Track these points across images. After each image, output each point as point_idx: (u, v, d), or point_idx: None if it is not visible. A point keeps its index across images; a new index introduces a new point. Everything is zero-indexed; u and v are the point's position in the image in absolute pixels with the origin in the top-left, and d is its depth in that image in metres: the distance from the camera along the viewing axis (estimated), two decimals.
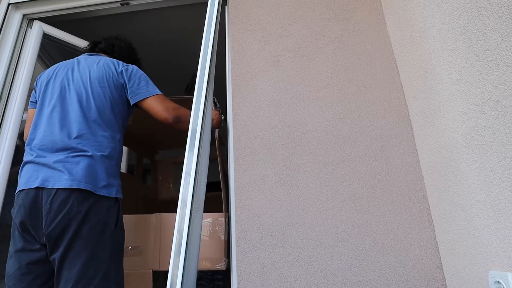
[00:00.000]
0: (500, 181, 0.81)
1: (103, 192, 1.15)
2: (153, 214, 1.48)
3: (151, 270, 1.40)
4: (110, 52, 1.53)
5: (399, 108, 1.36)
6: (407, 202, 1.24)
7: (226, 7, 1.68)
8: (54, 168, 1.13)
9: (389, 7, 1.46)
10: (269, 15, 1.59)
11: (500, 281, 0.81)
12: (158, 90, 1.36)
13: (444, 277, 1.14)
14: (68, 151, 1.16)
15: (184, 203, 0.99)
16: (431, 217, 1.21)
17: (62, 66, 1.39)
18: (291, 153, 1.35)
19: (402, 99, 1.37)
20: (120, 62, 1.39)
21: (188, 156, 1.07)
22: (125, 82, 1.34)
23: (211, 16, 1.37)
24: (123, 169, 2.38)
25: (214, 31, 1.34)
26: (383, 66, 1.43)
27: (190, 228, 0.96)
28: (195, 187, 1.02)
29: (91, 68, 1.34)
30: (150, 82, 1.38)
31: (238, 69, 1.52)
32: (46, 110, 1.27)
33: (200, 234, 1.01)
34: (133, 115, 1.90)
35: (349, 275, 1.17)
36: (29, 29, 1.93)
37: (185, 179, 1.03)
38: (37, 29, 1.91)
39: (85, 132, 1.21)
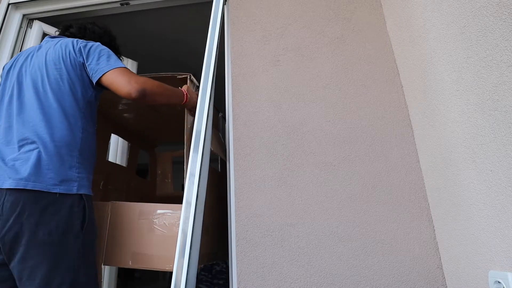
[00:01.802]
0: (500, 181, 0.81)
1: (60, 189, 1.01)
2: (109, 202, 1.34)
3: (102, 265, 1.28)
4: (82, 36, 1.35)
5: (399, 108, 1.36)
6: (407, 202, 1.24)
7: (226, 7, 1.68)
8: (5, 166, 1.02)
9: (389, 7, 1.46)
10: (269, 15, 1.59)
11: (500, 281, 0.81)
12: (121, 63, 1.19)
13: (444, 277, 1.14)
14: (21, 145, 1.05)
15: (188, 204, 1.00)
16: (431, 217, 1.21)
17: (22, 54, 1.26)
18: (291, 153, 1.35)
19: (402, 99, 1.37)
20: (80, 40, 1.23)
21: (192, 157, 1.08)
22: (84, 60, 1.18)
23: (215, 19, 1.37)
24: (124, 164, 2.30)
25: (217, 34, 1.35)
26: (383, 66, 1.43)
27: (194, 229, 0.97)
28: (199, 188, 1.02)
29: (48, 51, 1.20)
30: (113, 57, 1.20)
31: (238, 69, 1.52)
32: (5, 102, 1.16)
33: (200, 235, 1.01)
34: (135, 109, 1.85)
35: (349, 275, 1.17)
36: (29, 29, 1.93)
37: (189, 180, 1.04)
38: (37, 29, 1.91)
39: (39, 121, 1.07)
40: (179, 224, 1.08)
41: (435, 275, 1.15)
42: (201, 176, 1.06)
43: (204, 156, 1.09)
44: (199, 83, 1.34)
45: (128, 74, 1.16)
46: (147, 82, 1.16)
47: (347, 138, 1.35)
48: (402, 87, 1.39)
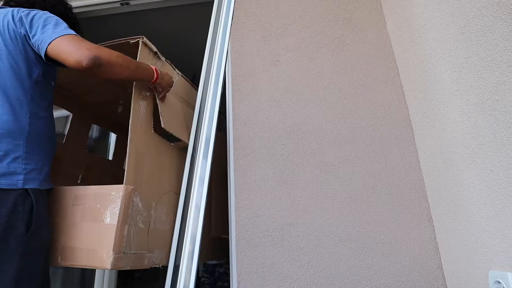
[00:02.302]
0: (500, 181, 0.81)
1: (1, 185, 0.87)
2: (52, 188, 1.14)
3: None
4: (30, 6, 1.13)
5: (399, 108, 1.36)
6: (407, 202, 1.24)
7: None
8: None
9: (389, 7, 1.46)
10: (269, 15, 1.59)
11: (500, 281, 0.81)
12: (72, 31, 0.99)
13: (444, 277, 1.14)
14: None
15: (198, 208, 1.02)
16: (431, 217, 1.21)
17: None
18: (291, 153, 1.35)
19: (402, 99, 1.37)
20: (22, 9, 1.04)
21: (202, 164, 1.09)
22: (27, 32, 0.99)
23: (227, 15, 1.35)
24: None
25: (229, 30, 1.32)
26: (383, 66, 1.43)
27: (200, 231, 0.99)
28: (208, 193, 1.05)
29: None
30: (62, 24, 1.00)
31: (238, 69, 1.52)
32: None
33: (201, 235, 1.02)
34: (118, 97, 1.65)
35: (349, 275, 1.17)
36: None
37: (199, 186, 1.06)
38: None
39: None
40: (117, 210, 0.93)
41: (435, 275, 1.15)
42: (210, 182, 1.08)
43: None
44: (197, 85, 1.32)
45: (79, 40, 0.96)
46: (103, 50, 0.97)
47: (347, 138, 1.35)
48: (402, 87, 1.39)
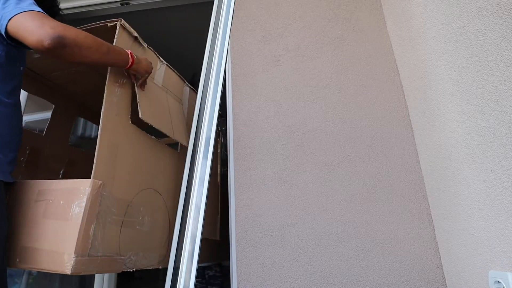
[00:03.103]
0: (500, 181, 0.81)
1: None
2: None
3: None
4: None
5: (399, 108, 1.36)
6: (407, 202, 1.24)
7: None
8: None
9: (389, 7, 1.46)
10: (269, 15, 1.59)
11: (500, 281, 0.81)
12: (37, 7, 0.88)
13: (444, 277, 1.14)
14: None
15: (198, 208, 1.02)
16: (431, 217, 1.21)
17: None
18: (291, 153, 1.35)
19: (402, 99, 1.37)
20: None
21: (202, 164, 1.09)
22: None
23: (227, 15, 1.34)
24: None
25: (229, 29, 1.31)
26: (383, 66, 1.43)
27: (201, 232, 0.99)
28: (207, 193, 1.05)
29: None
30: (27, 1, 0.89)
31: (238, 69, 1.52)
32: None
33: (201, 235, 1.02)
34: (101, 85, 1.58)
35: (349, 275, 1.17)
36: None
37: (199, 186, 1.06)
38: None
39: None
40: (83, 207, 0.84)
41: (435, 275, 1.15)
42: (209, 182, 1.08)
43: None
44: (197, 87, 1.30)
45: (42, 18, 0.85)
46: (70, 30, 0.85)
47: (347, 138, 1.35)
48: (402, 87, 1.39)
